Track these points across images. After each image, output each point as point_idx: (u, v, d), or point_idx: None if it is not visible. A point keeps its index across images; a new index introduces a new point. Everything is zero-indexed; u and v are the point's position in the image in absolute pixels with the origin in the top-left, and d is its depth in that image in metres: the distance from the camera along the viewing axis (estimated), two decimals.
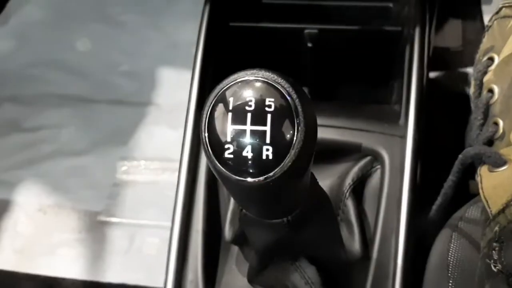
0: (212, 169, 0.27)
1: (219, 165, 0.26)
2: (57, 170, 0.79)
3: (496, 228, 0.33)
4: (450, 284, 0.37)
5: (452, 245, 0.39)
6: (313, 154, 0.29)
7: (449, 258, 0.38)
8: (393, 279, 0.40)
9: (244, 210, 0.33)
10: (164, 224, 0.70)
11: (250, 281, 0.39)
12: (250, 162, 0.26)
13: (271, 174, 0.26)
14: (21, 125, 0.84)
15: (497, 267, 0.32)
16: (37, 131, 0.83)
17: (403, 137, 0.45)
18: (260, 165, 0.26)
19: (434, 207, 0.41)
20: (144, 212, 0.75)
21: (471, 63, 0.51)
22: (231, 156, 0.26)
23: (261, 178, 0.26)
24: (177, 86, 0.82)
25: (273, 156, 0.26)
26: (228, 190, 0.29)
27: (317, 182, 0.35)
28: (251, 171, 0.26)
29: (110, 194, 0.77)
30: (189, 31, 0.65)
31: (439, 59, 0.76)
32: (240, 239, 0.40)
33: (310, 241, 0.36)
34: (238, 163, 0.26)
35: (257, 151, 0.26)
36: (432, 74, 0.74)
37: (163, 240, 0.72)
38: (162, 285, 0.47)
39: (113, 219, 0.76)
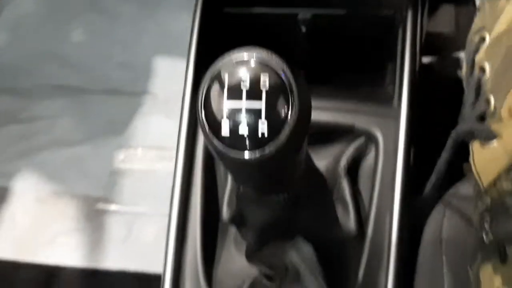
0: (209, 147, 0.28)
1: (216, 143, 0.27)
2: (54, 160, 0.80)
3: (488, 201, 0.34)
4: (443, 258, 0.38)
5: (445, 221, 0.40)
6: (308, 130, 0.29)
7: (442, 234, 0.39)
8: (387, 255, 0.41)
9: (241, 189, 0.34)
10: (161, 212, 0.70)
11: (248, 257, 0.40)
12: (246, 138, 0.27)
13: (266, 150, 0.27)
14: (17, 116, 0.84)
15: (489, 238, 0.33)
16: (33, 122, 0.83)
17: (397, 118, 0.45)
18: (256, 142, 0.27)
19: (428, 185, 0.42)
20: (142, 200, 0.76)
21: (464, 47, 0.52)
22: (228, 134, 0.27)
23: (257, 154, 0.27)
24: (172, 76, 0.82)
25: (268, 132, 0.26)
26: (226, 167, 0.30)
27: (313, 161, 0.35)
28: (247, 147, 0.27)
29: (107, 183, 0.78)
30: (184, 21, 0.65)
31: (432, 44, 0.76)
32: (237, 219, 0.41)
33: (306, 219, 0.37)
34: (235, 140, 0.27)
35: (253, 127, 0.26)
36: (425, 59, 0.75)
37: (161, 228, 0.73)
38: (161, 271, 0.47)
39: (111, 208, 0.76)
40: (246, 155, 0.27)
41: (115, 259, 0.73)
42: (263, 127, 0.26)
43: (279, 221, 0.35)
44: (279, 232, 0.37)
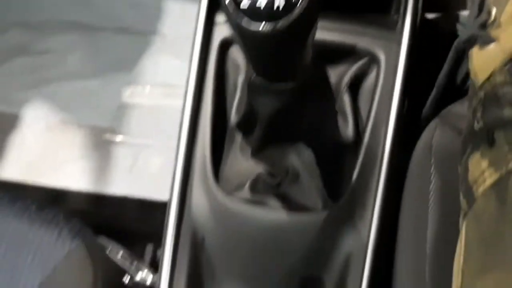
0: (229, 22, 0.31)
1: (235, 15, 0.30)
2: (63, 92, 0.82)
3: (482, 95, 0.37)
4: (432, 161, 0.41)
5: (436, 130, 0.43)
6: (317, 16, 0.32)
7: (432, 141, 0.42)
8: (380, 161, 0.45)
9: (253, 77, 0.37)
10: (167, 145, 0.73)
11: (253, 155, 0.43)
12: (263, 10, 0.30)
13: (279, 23, 0.30)
14: (28, 49, 0.86)
15: (480, 125, 0.35)
16: (44, 55, 0.86)
17: (400, 42, 0.48)
18: (271, 14, 0.30)
19: (428, 101, 0.45)
20: (148, 133, 0.79)
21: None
22: (247, 5, 0.30)
23: (271, 26, 0.30)
24: (183, 17, 0.85)
25: (283, 6, 0.30)
26: (243, 44, 0.33)
27: (321, 63, 0.38)
28: (264, 20, 0.30)
29: (115, 115, 0.80)
30: None
31: (436, 2, 0.78)
32: (244, 120, 0.44)
33: (310, 116, 0.40)
34: (252, 12, 0.30)
35: (270, 1, 0.29)
36: (429, 16, 0.77)
37: (167, 159, 0.76)
38: (165, 199, 0.49)
39: (118, 139, 0.79)
40: (262, 26, 0.30)
41: (120, 186, 0.76)
42: (279, 3, 0.29)
43: (286, 113, 0.38)
44: (285, 128, 0.40)
